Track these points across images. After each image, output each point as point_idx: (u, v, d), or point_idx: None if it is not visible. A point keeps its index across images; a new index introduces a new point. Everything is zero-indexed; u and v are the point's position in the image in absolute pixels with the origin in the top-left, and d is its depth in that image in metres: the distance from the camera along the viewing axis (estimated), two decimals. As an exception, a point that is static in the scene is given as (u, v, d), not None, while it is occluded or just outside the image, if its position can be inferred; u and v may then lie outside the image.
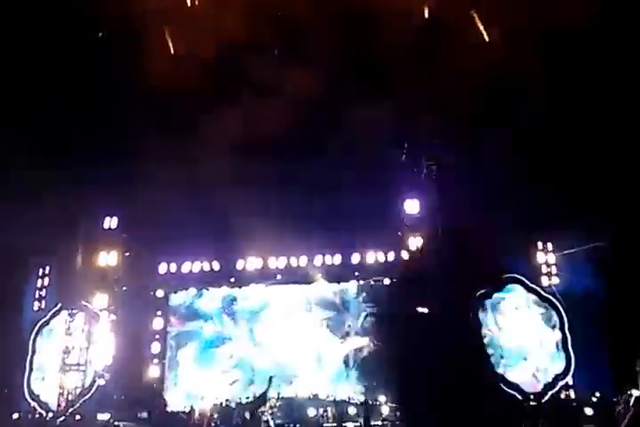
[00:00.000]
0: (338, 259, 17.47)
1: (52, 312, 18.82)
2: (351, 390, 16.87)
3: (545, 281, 16.10)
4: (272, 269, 17.89)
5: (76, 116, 17.56)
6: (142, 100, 16.44)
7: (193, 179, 17.44)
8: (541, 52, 14.20)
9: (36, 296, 19.40)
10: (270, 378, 14.63)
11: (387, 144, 16.44)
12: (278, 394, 15.66)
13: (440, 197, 16.15)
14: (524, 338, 15.86)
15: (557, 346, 15.66)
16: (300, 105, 15.91)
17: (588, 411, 13.29)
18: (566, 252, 15.91)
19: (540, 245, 16.33)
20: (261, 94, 16.33)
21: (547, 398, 15.08)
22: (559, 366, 15.46)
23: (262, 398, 14.24)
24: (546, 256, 16.24)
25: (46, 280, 19.45)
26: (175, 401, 17.41)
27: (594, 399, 13.97)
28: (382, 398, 15.91)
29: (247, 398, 15.99)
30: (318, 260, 17.55)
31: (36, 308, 19.31)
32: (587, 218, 15.11)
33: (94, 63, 16.28)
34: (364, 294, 17.90)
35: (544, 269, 16.17)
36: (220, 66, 16.09)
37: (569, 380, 15.35)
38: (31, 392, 17.98)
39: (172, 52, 15.82)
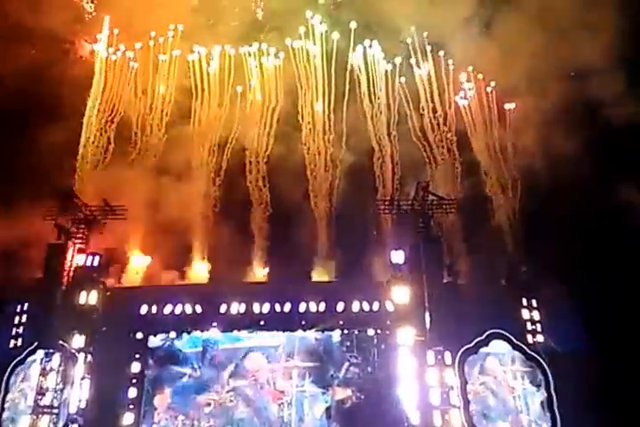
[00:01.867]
0: (322, 307, 17.23)
1: (27, 351, 18.31)
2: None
3: (530, 338, 15.93)
4: (256, 315, 17.58)
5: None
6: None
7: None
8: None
9: (13, 333, 18.91)
10: None
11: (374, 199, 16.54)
12: None
13: (426, 249, 16.10)
14: (509, 396, 15.61)
15: (543, 406, 15.41)
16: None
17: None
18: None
19: (524, 301, 16.21)
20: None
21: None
22: (545, 427, 15.22)
23: None
24: (531, 313, 16.11)
25: (24, 317, 18.98)
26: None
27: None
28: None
29: None
30: (302, 307, 17.30)
31: (11, 345, 18.81)
32: (572, 276, 15.16)
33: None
34: (348, 344, 17.61)
35: (529, 326, 16.02)
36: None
37: (556, 441, 15.07)
38: (1, 435, 17.43)
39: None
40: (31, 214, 17.82)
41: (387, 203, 16.58)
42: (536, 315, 16.07)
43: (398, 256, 16.13)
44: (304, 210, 19.39)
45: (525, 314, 16.11)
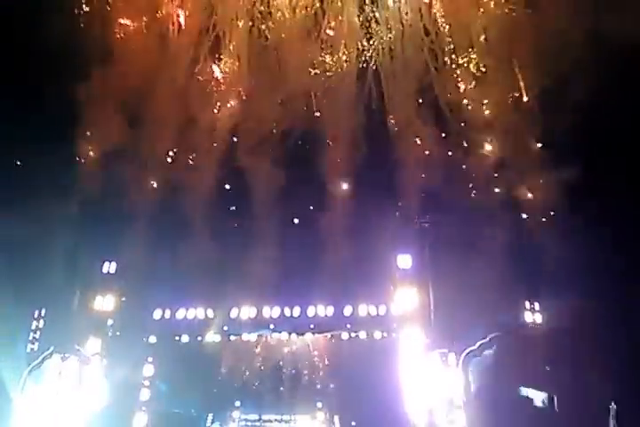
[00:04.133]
0: (330, 310, 17.75)
1: (44, 355, 18.86)
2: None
3: (532, 341, 16.36)
4: (266, 319, 18.11)
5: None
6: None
7: (190, 227, 17.99)
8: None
9: (30, 338, 19.48)
10: None
11: (381, 200, 17.11)
12: None
13: (431, 253, 16.68)
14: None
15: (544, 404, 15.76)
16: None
17: None
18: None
19: (527, 304, 16.69)
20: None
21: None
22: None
23: None
24: (533, 316, 16.58)
25: (42, 322, 19.57)
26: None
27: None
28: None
29: None
30: (311, 310, 17.82)
31: (28, 350, 19.36)
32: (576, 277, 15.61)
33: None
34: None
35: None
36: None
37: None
38: (17, 436, 17.84)
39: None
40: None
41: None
42: (538, 318, 16.54)
43: (405, 260, 16.71)
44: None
45: (528, 317, 16.57)
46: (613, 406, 11.93)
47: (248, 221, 17.99)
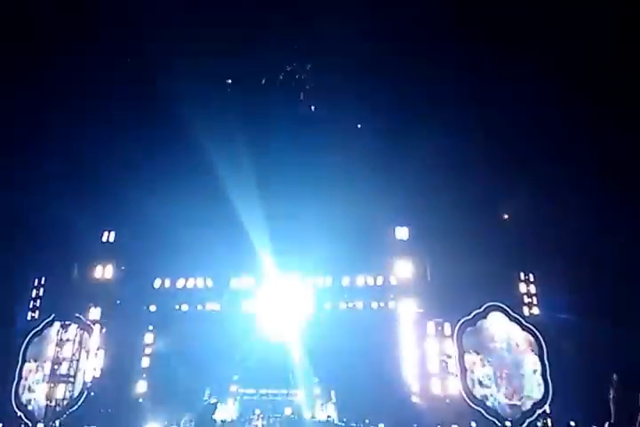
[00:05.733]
0: (329, 281, 18.00)
1: (44, 322, 19.09)
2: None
3: (526, 311, 16.72)
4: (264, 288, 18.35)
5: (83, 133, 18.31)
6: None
7: (191, 200, 18.06)
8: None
9: (30, 306, 19.69)
10: None
11: (380, 172, 17.18)
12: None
13: (429, 225, 16.90)
14: (504, 365, 16.37)
15: (536, 374, 16.16)
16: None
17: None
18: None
19: (522, 275, 17.01)
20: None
21: (525, 425, 15.57)
22: (538, 395, 15.97)
23: None
24: (527, 287, 16.91)
25: (42, 290, 19.76)
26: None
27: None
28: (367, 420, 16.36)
29: None
30: (310, 281, 18.07)
31: (29, 317, 19.58)
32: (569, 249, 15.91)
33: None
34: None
35: (525, 299, 16.82)
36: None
37: (546, 408, 15.83)
38: (18, 402, 18.15)
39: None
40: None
41: None
42: (532, 289, 16.89)
43: (402, 232, 16.95)
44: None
45: (523, 288, 16.91)
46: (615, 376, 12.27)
47: (245, 193, 18.05)
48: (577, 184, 16.34)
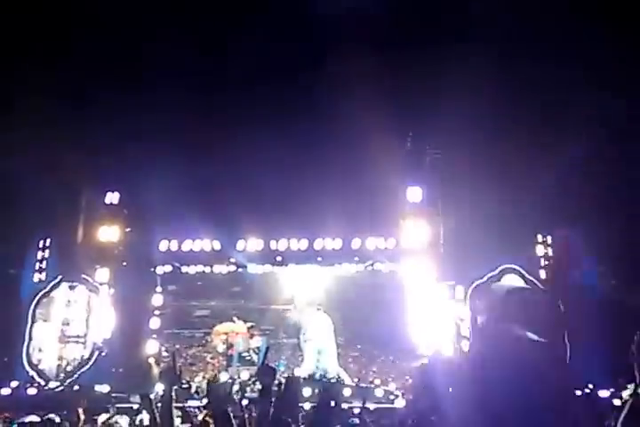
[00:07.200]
0: (338, 243, 17.57)
1: (52, 284, 18.97)
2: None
3: (543, 274, 16.27)
4: (273, 251, 17.99)
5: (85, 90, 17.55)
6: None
7: (197, 158, 17.50)
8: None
9: (37, 268, 19.52)
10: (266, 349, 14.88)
11: (392, 131, 16.38)
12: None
13: (442, 185, 16.25)
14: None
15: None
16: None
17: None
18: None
19: (539, 237, 16.45)
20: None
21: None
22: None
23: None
24: (545, 250, 16.38)
25: (47, 252, 19.53)
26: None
27: (587, 391, 14.21)
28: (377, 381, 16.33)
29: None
30: (319, 243, 17.65)
31: (36, 279, 19.45)
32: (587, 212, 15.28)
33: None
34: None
35: (542, 262, 16.33)
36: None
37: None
38: (30, 361, 18.28)
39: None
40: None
41: None
42: (550, 251, 16.37)
43: (415, 193, 16.29)
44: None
45: (540, 250, 16.39)
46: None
47: (253, 152, 17.42)
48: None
